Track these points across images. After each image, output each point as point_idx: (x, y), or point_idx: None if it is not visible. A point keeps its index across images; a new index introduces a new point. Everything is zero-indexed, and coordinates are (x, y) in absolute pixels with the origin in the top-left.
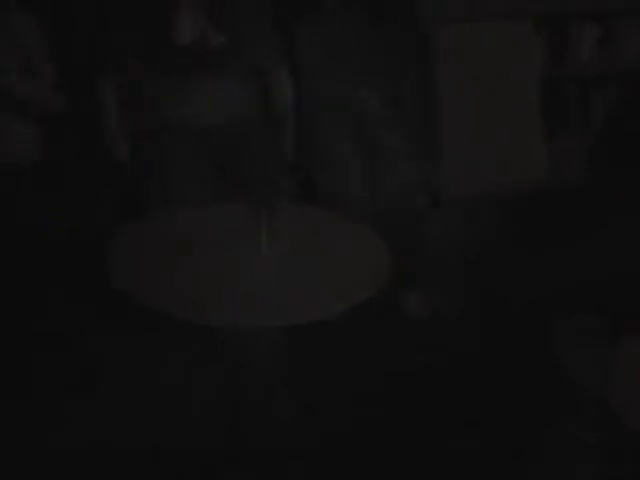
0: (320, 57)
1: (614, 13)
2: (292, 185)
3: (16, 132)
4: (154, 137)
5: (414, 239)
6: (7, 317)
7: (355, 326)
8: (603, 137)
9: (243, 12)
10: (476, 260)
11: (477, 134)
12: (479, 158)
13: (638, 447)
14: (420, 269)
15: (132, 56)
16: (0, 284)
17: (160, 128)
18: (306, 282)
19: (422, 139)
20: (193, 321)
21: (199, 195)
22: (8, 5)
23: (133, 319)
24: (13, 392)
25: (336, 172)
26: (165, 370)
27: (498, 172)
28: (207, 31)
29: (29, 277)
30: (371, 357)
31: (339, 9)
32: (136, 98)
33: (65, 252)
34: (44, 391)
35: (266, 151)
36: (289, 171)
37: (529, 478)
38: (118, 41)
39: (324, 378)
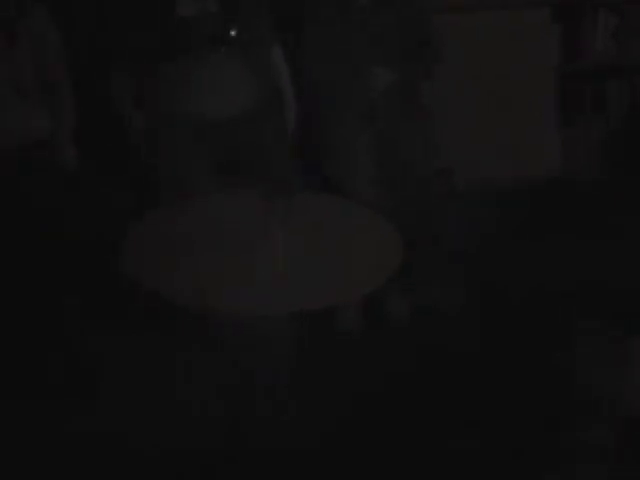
0: (326, 43)
1: (630, 2)
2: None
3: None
4: (159, 133)
5: (421, 231)
6: (7, 317)
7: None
8: (618, 131)
9: None
10: (479, 254)
11: (487, 125)
12: (489, 148)
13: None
14: (420, 262)
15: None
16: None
17: (164, 124)
18: (315, 271)
19: (431, 127)
20: (204, 310)
21: (207, 187)
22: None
23: (133, 319)
24: (13, 392)
25: (345, 161)
26: (165, 370)
27: (509, 164)
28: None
29: (29, 276)
30: (370, 357)
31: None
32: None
33: (67, 251)
34: (44, 391)
35: (275, 140)
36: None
37: (529, 478)
38: (123, 26)
39: (324, 378)
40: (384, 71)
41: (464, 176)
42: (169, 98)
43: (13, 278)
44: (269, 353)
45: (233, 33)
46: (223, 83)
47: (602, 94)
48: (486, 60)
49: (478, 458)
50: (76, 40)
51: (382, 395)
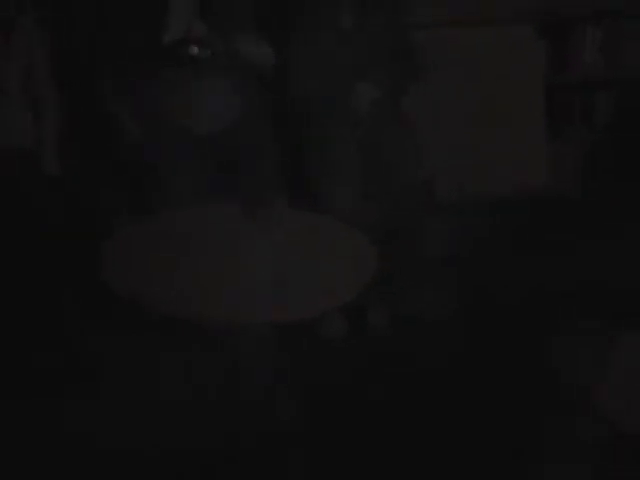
0: (312, 56)
1: (616, 16)
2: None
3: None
4: (152, 143)
5: (407, 241)
6: (7, 317)
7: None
8: (602, 144)
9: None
10: (468, 263)
11: (476, 139)
12: (477, 163)
13: (635, 447)
14: (400, 272)
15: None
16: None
17: (158, 135)
18: (294, 281)
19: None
20: (189, 319)
21: (198, 197)
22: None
23: (133, 319)
24: (13, 392)
25: (330, 172)
26: (165, 370)
27: (496, 177)
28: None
29: (29, 276)
30: (368, 360)
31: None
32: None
33: (66, 250)
34: (44, 391)
35: (264, 152)
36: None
37: (529, 478)
38: (114, 41)
39: (323, 379)
40: (368, 87)
41: (451, 187)
42: (165, 109)
43: (12, 278)
44: (267, 354)
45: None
46: (216, 95)
47: (590, 106)
48: (475, 74)
49: (475, 460)
50: (70, 47)
51: (381, 396)
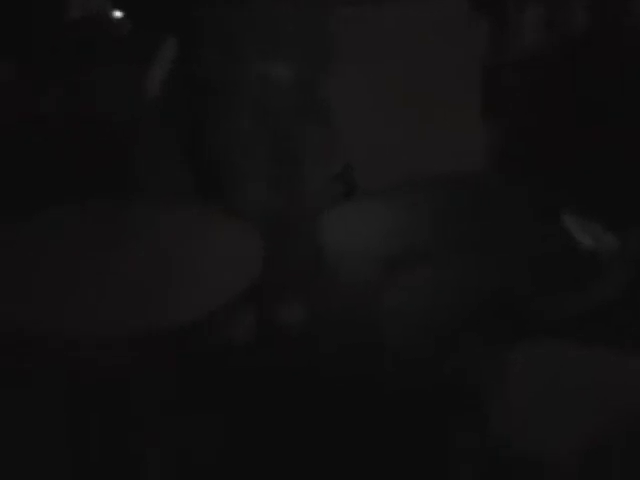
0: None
1: None
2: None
3: None
4: None
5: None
6: None
7: None
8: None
9: None
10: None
11: (404, 123)
12: (406, 147)
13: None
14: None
15: None
16: None
17: None
18: (172, 283)
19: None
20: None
21: None
22: None
23: None
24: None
25: (238, 162)
26: None
27: (428, 160)
28: None
29: None
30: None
31: None
32: None
33: None
34: None
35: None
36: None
37: None
38: None
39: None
40: (281, 69)
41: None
42: None
43: None
44: None
45: None
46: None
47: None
48: (404, 52)
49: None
50: None
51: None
